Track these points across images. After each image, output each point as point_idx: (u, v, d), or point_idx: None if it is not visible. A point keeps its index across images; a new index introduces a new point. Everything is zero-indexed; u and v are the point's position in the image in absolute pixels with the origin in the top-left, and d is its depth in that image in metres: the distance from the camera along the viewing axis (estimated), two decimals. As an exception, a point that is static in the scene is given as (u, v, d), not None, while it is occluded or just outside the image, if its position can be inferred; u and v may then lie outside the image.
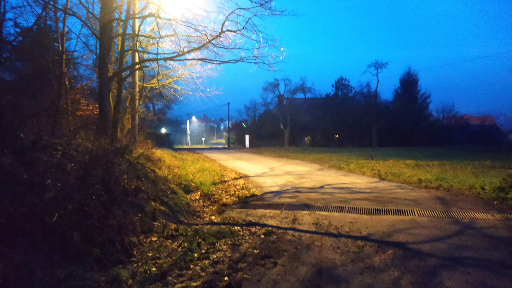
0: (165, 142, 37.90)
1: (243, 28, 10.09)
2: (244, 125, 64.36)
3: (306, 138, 55.67)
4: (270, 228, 6.44)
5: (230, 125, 66.74)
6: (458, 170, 13.88)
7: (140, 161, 9.40)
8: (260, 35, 10.34)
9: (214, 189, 11.09)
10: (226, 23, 9.95)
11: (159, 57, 12.06)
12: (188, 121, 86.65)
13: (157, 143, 20.97)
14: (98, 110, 10.00)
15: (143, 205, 6.54)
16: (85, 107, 11.57)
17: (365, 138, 49.64)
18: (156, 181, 8.78)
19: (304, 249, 5.32)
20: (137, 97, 15.97)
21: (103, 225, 4.90)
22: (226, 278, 4.27)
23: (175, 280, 4.26)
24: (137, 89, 15.81)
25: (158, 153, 16.07)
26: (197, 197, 10.19)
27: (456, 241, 5.59)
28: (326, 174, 14.38)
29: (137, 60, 13.55)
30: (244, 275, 4.36)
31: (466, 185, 10.05)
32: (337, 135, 54.00)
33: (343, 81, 57.37)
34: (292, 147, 46.00)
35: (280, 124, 52.63)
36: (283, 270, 4.54)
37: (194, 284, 4.13)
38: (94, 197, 5.16)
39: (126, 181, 6.65)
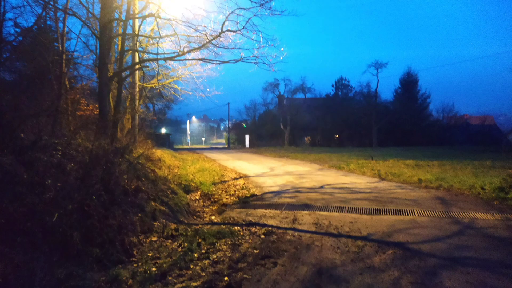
0: (165, 142, 37.89)
1: (243, 28, 10.10)
2: (244, 125, 64.38)
3: (306, 138, 55.68)
4: (270, 228, 6.44)
5: (230, 125, 66.75)
6: (458, 170, 13.88)
7: (140, 161, 9.40)
8: (260, 35, 10.35)
9: (214, 189, 11.08)
10: (226, 23, 9.96)
11: (159, 57, 12.07)
12: (188, 121, 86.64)
13: (157, 143, 20.97)
14: (98, 110, 10.00)
15: (143, 205, 6.54)
16: (85, 107, 11.57)
17: (365, 138, 49.63)
18: (156, 181, 8.78)
19: (304, 249, 5.31)
20: (137, 97, 15.96)
21: (103, 225, 4.90)
22: (226, 278, 4.27)
23: (175, 280, 4.26)
24: (137, 89, 15.81)
25: (158, 152, 16.07)
26: (197, 197, 10.20)
27: (456, 241, 5.59)
28: (326, 174, 14.38)
29: (137, 60, 13.55)
30: (244, 275, 4.36)
31: (466, 185, 10.05)
32: (337, 135, 54.00)
33: (343, 81, 57.40)
34: (292, 146, 46.00)
35: (280, 124, 52.63)
36: (283, 270, 4.54)
37: (194, 284, 4.13)
38: (94, 197, 5.15)
39: (126, 181, 6.65)
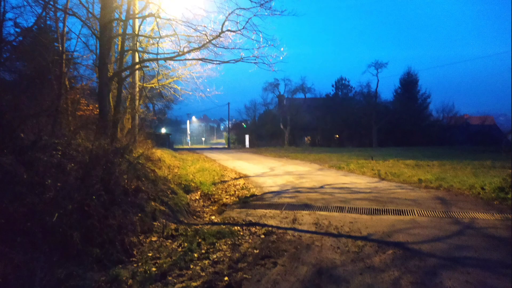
0: (165, 142, 37.91)
1: (243, 28, 10.10)
2: (244, 125, 64.38)
3: (306, 138, 55.68)
4: (270, 228, 6.44)
5: (230, 125, 66.75)
6: (458, 170, 13.88)
7: (140, 161, 9.40)
8: (260, 35, 10.36)
9: (214, 189, 11.09)
10: (226, 23, 9.97)
11: (159, 57, 12.08)
12: (188, 121, 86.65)
13: (157, 143, 20.98)
14: (98, 110, 10.00)
15: (143, 205, 6.54)
16: (85, 107, 11.57)
17: (365, 138, 49.64)
18: (156, 180, 8.79)
19: (304, 249, 5.32)
20: (137, 97, 15.97)
21: (103, 225, 4.90)
22: (226, 278, 4.27)
23: (175, 280, 4.26)
24: (137, 89, 15.81)
25: (158, 152, 16.07)
26: (197, 197, 10.20)
27: (456, 241, 5.59)
28: (326, 174, 14.38)
29: (137, 60, 13.55)
30: (244, 275, 4.36)
31: (466, 185, 10.06)
32: (337, 136, 54.00)
33: (343, 81, 57.41)
34: (292, 147, 46.00)
35: (280, 124, 52.64)
36: (283, 270, 4.55)
37: (194, 284, 4.13)
38: (94, 197, 5.16)
39: (126, 181, 6.65)
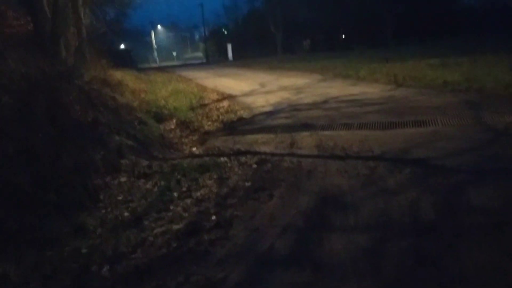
0: (126, 61, 36.94)
1: None
2: (225, 31, 62.58)
3: (304, 43, 54.50)
4: (263, 156, 6.57)
5: (206, 32, 64.79)
6: (494, 66, 13.87)
7: (94, 86, 9.24)
8: None
9: (192, 115, 11.10)
10: None
11: None
12: (152, 32, 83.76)
13: (115, 63, 20.47)
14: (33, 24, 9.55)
15: (104, 140, 6.57)
16: (16, 22, 11.02)
17: (378, 36, 48.61)
18: (118, 109, 8.73)
19: (304, 177, 5.48)
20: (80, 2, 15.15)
21: (55, 167, 4.95)
22: (213, 217, 4.44)
23: (152, 225, 4.42)
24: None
25: (118, 74, 15.79)
26: (172, 126, 10.25)
27: (486, 152, 5.78)
28: (329, 86, 14.36)
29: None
30: (235, 212, 4.53)
31: (502, 83, 10.12)
32: (343, 35, 52.80)
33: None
34: (287, 54, 45.25)
35: (270, 26, 51.09)
36: (280, 202, 4.72)
37: (175, 227, 4.30)
38: (39, 135, 5.14)
39: (78, 112, 6.60)
